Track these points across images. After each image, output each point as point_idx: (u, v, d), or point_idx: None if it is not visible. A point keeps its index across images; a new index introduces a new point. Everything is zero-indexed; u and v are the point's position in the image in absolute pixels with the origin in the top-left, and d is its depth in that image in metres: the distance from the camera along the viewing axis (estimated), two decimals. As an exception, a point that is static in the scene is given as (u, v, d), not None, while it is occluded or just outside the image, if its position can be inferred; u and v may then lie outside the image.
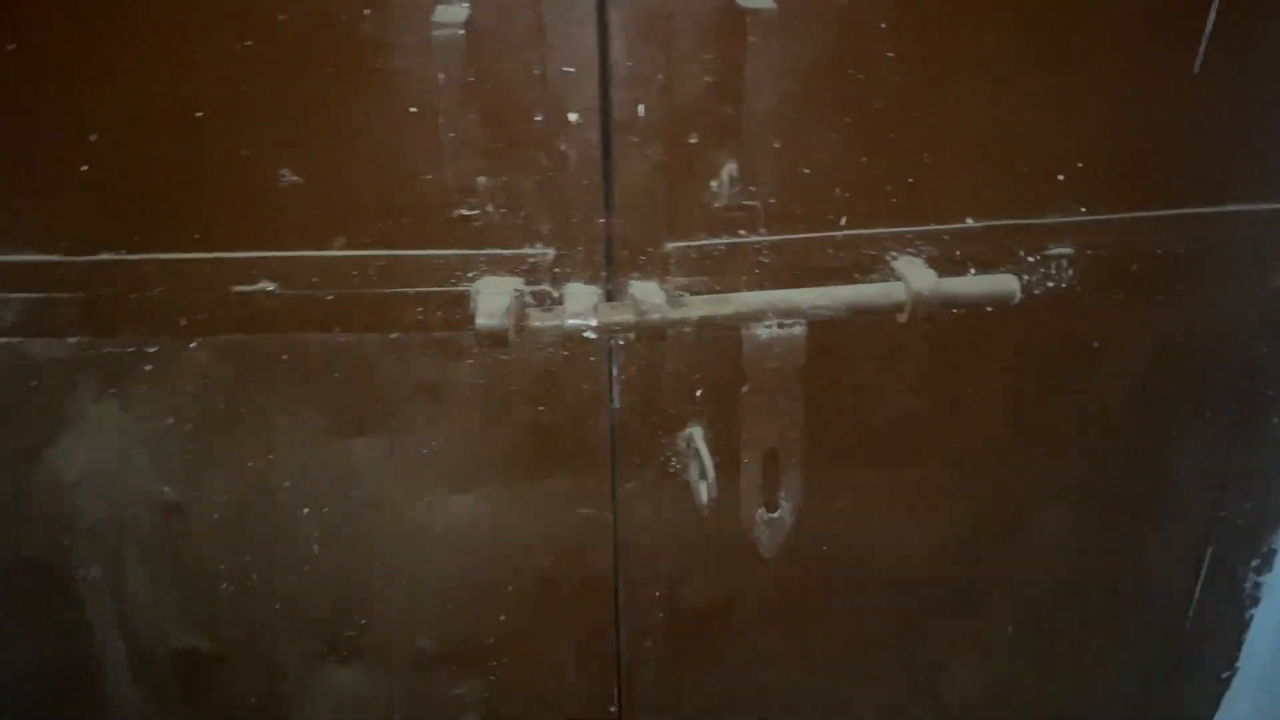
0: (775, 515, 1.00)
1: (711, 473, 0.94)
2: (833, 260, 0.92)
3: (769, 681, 1.15)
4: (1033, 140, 0.91)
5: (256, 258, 0.88)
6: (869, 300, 0.90)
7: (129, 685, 1.08)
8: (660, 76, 0.82)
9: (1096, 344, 1.03)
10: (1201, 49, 0.90)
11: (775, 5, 0.80)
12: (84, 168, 0.84)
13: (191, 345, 0.92)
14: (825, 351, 0.94)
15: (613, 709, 1.13)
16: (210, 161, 0.84)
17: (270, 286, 0.88)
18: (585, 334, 0.86)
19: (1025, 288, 0.95)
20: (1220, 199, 0.98)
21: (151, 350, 0.92)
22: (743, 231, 0.90)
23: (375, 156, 0.84)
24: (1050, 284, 0.97)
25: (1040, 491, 1.10)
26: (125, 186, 0.85)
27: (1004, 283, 0.93)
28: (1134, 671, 1.25)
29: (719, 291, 0.91)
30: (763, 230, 0.90)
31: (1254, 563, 1.21)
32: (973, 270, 0.95)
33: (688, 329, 0.90)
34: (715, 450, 0.96)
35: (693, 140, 0.85)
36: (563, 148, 0.84)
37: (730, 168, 0.87)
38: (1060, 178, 0.93)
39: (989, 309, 0.94)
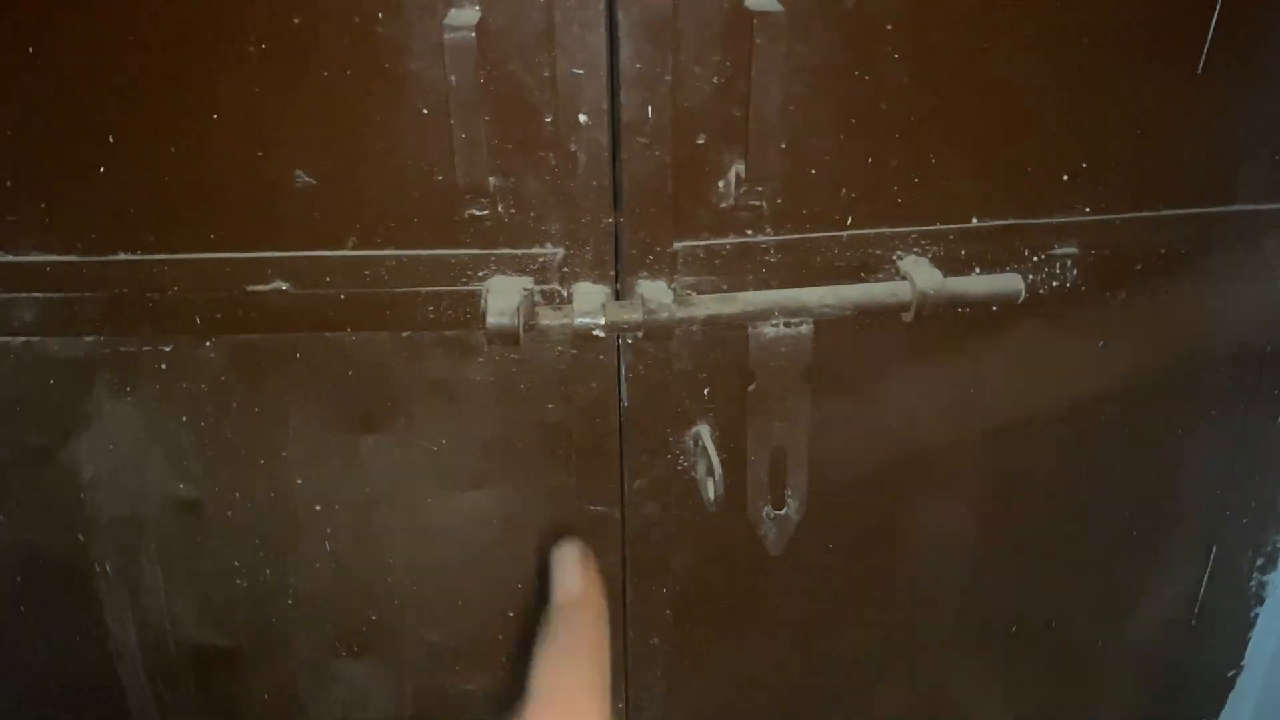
0: (782, 513, 1.01)
1: (719, 470, 0.94)
2: (839, 260, 0.93)
3: (777, 680, 1.16)
4: (1037, 141, 0.92)
5: (271, 258, 0.89)
6: (875, 299, 0.91)
7: (143, 679, 1.09)
8: (668, 78, 0.82)
9: (1101, 343, 1.03)
10: (1205, 49, 0.90)
11: (782, 8, 0.81)
12: (101, 169, 0.85)
13: (206, 344, 0.93)
14: (831, 350, 0.95)
15: (620, 705, 1.14)
16: (226, 163, 0.85)
17: (284, 286, 0.90)
18: (594, 332, 0.86)
19: (1030, 287, 0.96)
20: (1225, 199, 0.99)
21: (167, 349, 0.93)
22: (750, 231, 0.91)
23: (388, 158, 0.85)
24: (1055, 283, 0.98)
25: (1045, 489, 1.10)
26: (142, 188, 0.86)
27: (1009, 282, 0.94)
28: (1139, 671, 1.25)
29: (726, 291, 0.92)
30: (769, 230, 0.91)
31: (1259, 562, 1.22)
32: (978, 270, 0.95)
33: (695, 328, 0.91)
34: (722, 448, 0.97)
35: (700, 141, 0.86)
36: (572, 148, 0.84)
37: (738, 168, 0.87)
38: (1065, 178, 0.94)
39: (994, 308, 0.95)
